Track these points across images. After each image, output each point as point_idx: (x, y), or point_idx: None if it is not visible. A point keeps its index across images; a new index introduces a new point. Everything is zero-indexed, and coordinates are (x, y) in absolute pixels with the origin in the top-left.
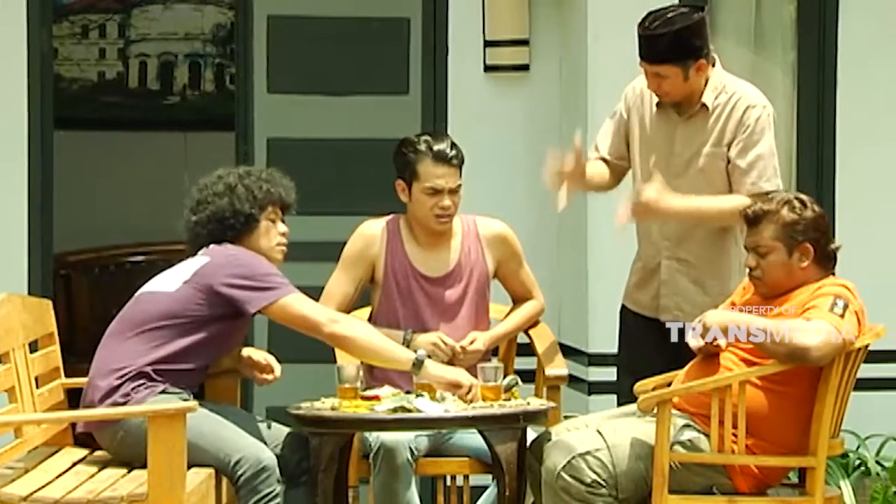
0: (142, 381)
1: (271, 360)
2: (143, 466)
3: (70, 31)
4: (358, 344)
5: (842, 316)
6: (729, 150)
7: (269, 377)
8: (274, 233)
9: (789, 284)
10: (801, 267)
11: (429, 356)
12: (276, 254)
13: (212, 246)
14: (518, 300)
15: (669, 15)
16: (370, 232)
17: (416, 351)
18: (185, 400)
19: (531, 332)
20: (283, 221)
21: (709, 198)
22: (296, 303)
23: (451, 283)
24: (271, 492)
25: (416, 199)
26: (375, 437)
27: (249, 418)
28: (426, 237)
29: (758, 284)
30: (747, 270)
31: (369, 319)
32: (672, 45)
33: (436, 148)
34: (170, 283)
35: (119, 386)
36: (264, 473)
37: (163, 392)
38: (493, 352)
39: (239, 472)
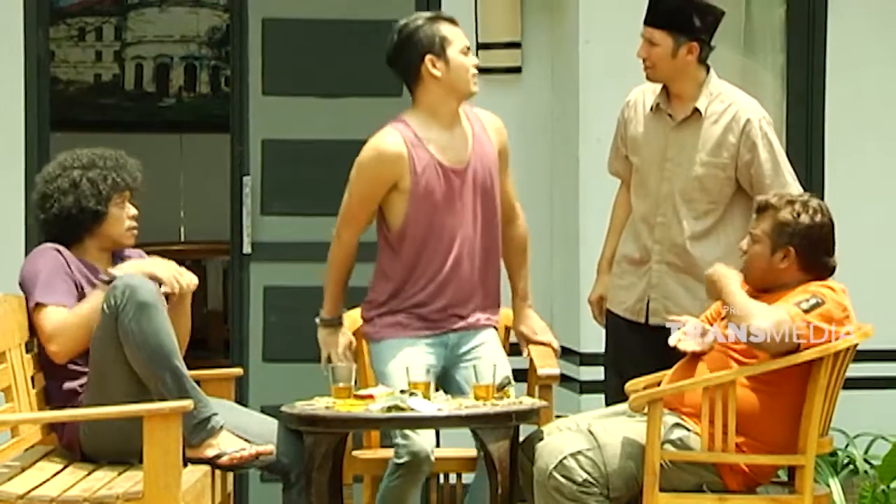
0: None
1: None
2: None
3: (67, 34)
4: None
5: (807, 311)
6: (737, 164)
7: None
8: (123, 218)
9: (767, 279)
10: (779, 267)
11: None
12: (126, 239)
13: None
14: (504, 213)
15: None
16: (393, 150)
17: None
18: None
19: None
20: (132, 202)
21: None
22: (40, 313)
23: (472, 170)
24: None
25: (454, 65)
26: (404, 445)
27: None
28: (448, 118)
29: (744, 270)
30: (741, 252)
31: (378, 229)
32: (673, 12)
33: (440, 14)
34: None
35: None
36: None
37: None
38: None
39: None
